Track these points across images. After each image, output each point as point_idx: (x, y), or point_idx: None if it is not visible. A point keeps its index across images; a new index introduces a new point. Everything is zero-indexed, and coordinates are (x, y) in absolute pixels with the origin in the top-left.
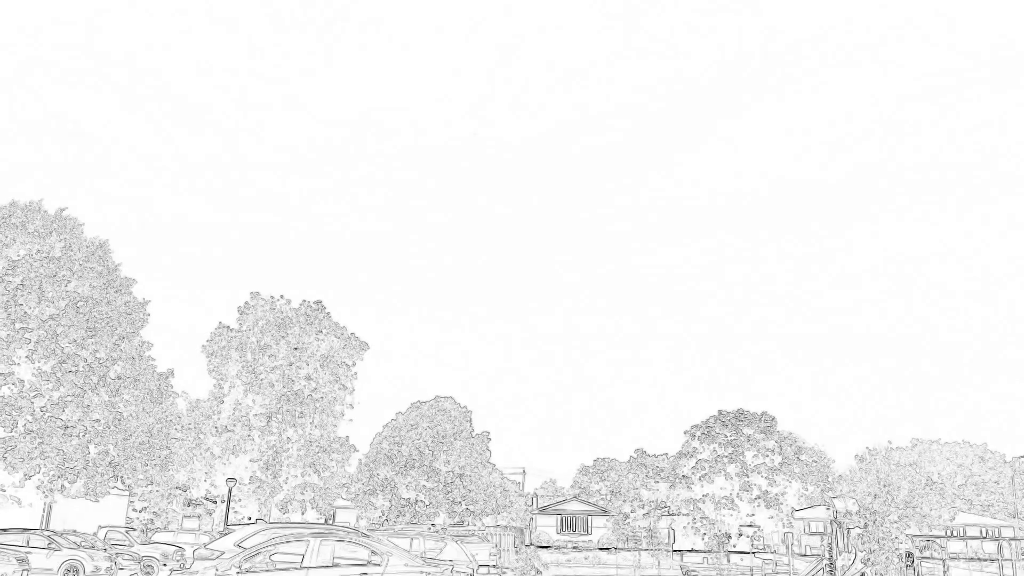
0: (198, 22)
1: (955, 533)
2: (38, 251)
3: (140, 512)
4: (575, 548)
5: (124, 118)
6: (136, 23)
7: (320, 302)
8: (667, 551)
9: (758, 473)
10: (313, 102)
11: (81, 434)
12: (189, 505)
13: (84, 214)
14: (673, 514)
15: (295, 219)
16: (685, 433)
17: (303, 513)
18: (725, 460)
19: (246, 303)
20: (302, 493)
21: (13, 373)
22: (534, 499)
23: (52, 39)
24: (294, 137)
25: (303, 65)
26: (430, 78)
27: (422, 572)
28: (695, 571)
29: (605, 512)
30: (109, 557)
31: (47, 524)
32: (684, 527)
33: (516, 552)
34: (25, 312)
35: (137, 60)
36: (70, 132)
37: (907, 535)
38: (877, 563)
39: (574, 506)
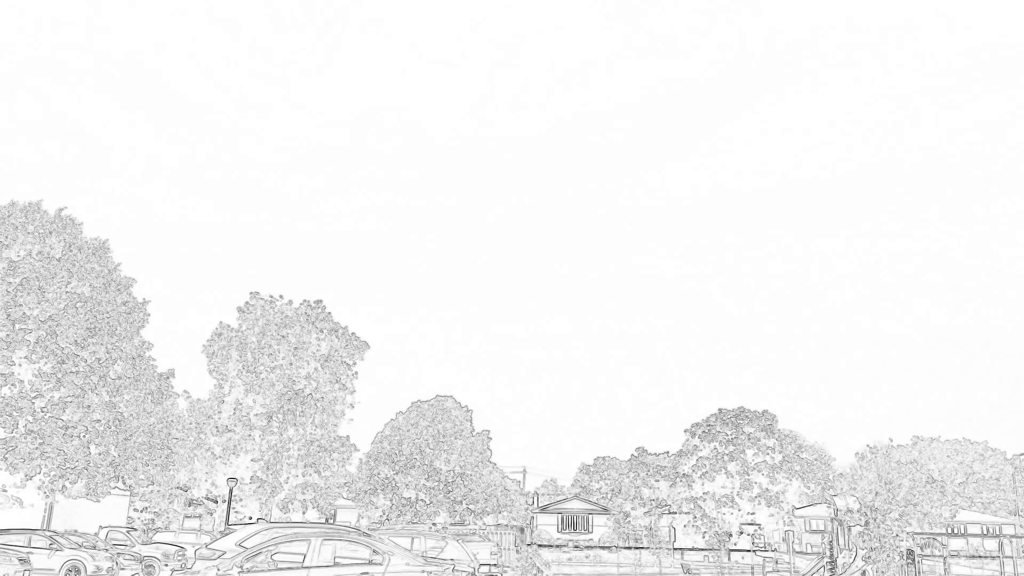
0: (198, 22)
1: (956, 530)
2: (38, 252)
3: (141, 512)
4: (576, 547)
5: (124, 118)
6: (136, 23)
7: (320, 301)
8: (668, 549)
9: (759, 471)
10: (313, 102)
11: (82, 434)
12: (190, 505)
13: (84, 214)
14: (674, 512)
15: (295, 219)
16: (686, 431)
17: (304, 512)
18: (726, 458)
19: (246, 303)
20: (303, 492)
21: (13, 374)
22: (535, 498)
23: (52, 39)
24: (294, 137)
25: (303, 65)
26: (430, 78)
27: (423, 571)
28: (696, 569)
29: (606, 511)
30: (110, 557)
31: (48, 524)
32: (685, 525)
33: (517, 551)
34: (24, 313)
35: (137, 60)
36: (70, 132)
37: (908, 532)
38: (878, 561)
39: (575, 505)
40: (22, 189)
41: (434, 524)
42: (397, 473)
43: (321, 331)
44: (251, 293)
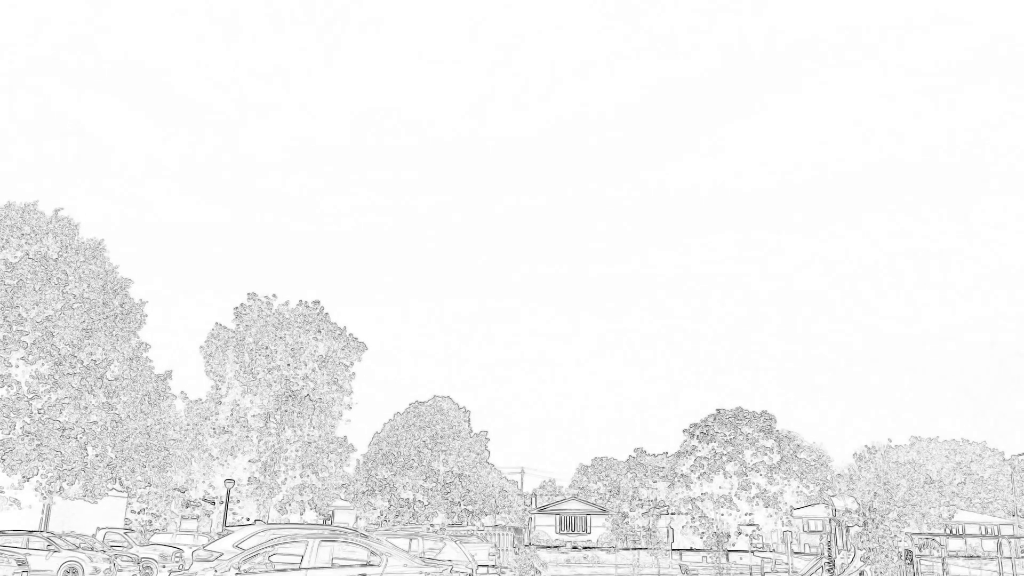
0: (198, 22)
1: (954, 531)
2: (34, 252)
3: (139, 513)
4: (574, 547)
5: (124, 118)
6: (137, 23)
7: (318, 302)
8: (666, 550)
9: (757, 472)
10: (313, 102)
11: (79, 436)
12: (187, 506)
13: (84, 214)
14: (672, 513)
15: (295, 218)
16: (684, 432)
17: (302, 514)
18: (724, 459)
19: (242, 304)
20: (300, 494)
21: (10, 375)
22: (533, 499)
23: (52, 39)
24: (294, 137)
25: (303, 65)
26: (430, 78)
27: (421, 572)
28: (694, 570)
29: (604, 511)
30: (108, 558)
31: (46, 526)
32: (683, 526)
33: (515, 552)
34: (21, 315)
35: (138, 60)
36: (70, 132)
37: (906, 533)
38: (876, 561)
39: (573, 506)
40: (22, 189)
41: (432, 525)
42: (395, 474)
43: (319, 332)
44: (248, 294)
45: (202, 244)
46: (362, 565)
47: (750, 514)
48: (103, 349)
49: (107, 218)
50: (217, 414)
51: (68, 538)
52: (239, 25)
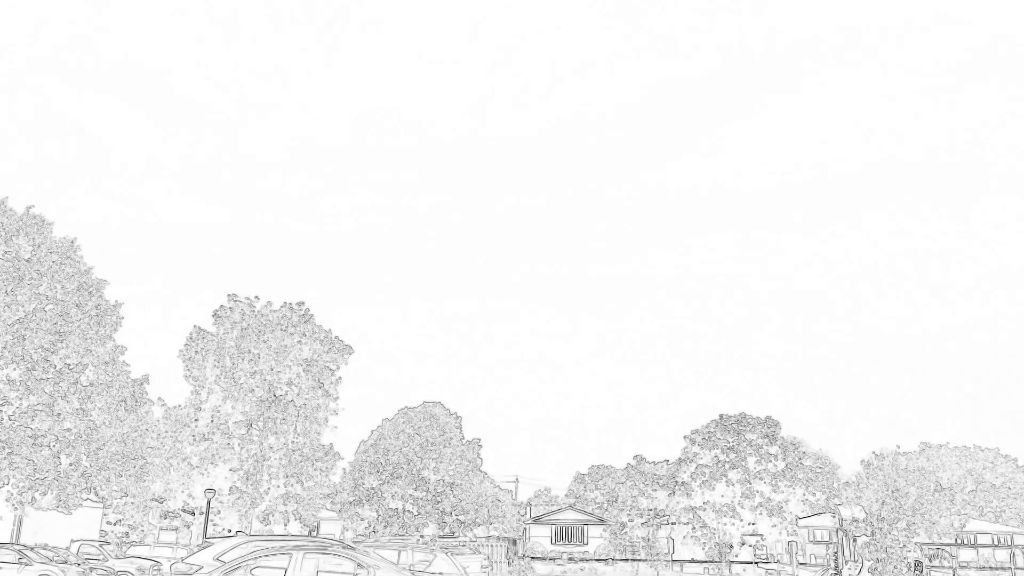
0: (198, 22)
1: (965, 541)
2: (4, 252)
3: (115, 525)
4: (570, 559)
5: (124, 118)
6: (137, 23)
7: (303, 303)
8: (666, 562)
9: (761, 480)
10: (313, 102)
11: (52, 444)
12: (166, 517)
13: (84, 214)
14: (672, 523)
15: (295, 218)
16: (685, 438)
17: (286, 525)
18: (726, 466)
19: (222, 306)
20: (284, 504)
21: None
22: (527, 508)
23: (52, 39)
24: (294, 137)
25: (303, 65)
26: (430, 78)
27: None
28: None
29: (602, 521)
30: (82, 572)
31: (17, 538)
32: (684, 536)
33: (509, 564)
34: None
35: (137, 60)
36: (70, 132)
37: (916, 543)
38: (884, 572)
39: (569, 515)
40: (22, 189)
41: (422, 536)
42: (383, 483)
43: (303, 335)
44: (228, 295)
45: (202, 244)
46: None
47: (754, 524)
48: (77, 353)
49: (107, 218)
50: (197, 421)
51: (40, 551)
52: (239, 25)
